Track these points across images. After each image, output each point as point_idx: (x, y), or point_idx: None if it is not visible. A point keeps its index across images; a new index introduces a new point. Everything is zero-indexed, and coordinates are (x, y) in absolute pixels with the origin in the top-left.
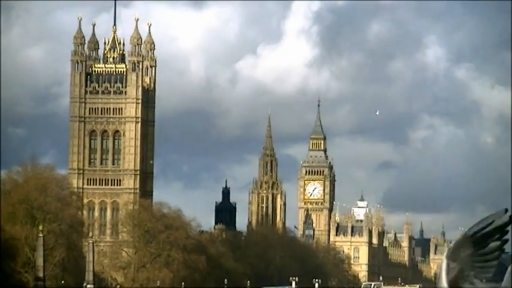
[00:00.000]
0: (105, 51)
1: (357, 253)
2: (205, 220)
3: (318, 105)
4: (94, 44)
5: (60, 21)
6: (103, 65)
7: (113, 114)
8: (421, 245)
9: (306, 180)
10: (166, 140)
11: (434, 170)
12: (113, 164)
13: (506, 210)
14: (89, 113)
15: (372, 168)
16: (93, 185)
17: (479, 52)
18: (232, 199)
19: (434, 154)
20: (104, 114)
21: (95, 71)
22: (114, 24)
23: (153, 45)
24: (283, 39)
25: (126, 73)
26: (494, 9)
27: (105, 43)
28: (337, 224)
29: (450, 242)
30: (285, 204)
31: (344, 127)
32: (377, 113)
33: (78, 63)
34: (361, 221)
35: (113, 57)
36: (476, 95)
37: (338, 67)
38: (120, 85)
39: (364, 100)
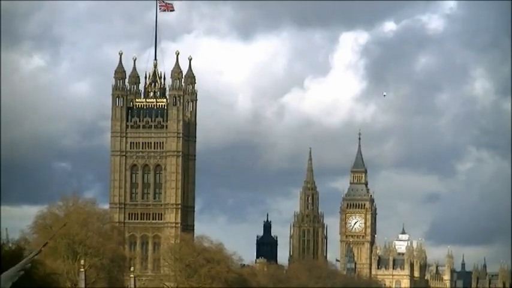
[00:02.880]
0: (146, 86)
1: (399, 286)
2: (247, 254)
3: (359, 138)
4: (135, 78)
5: (107, 56)
6: (144, 99)
7: (154, 148)
8: (463, 277)
9: (347, 213)
10: (212, 173)
11: (480, 203)
12: (154, 198)
13: None
14: (130, 147)
15: (417, 200)
16: (134, 219)
17: None
18: (275, 232)
19: (480, 187)
20: (145, 148)
21: (136, 105)
22: (155, 59)
23: (193, 79)
24: (330, 72)
25: (167, 107)
26: None
27: (146, 77)
28: (379, 257)
29: (492, 276)
30: (326, 237)
31: (390, 160)
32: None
33: (119, 97)
34: (403, 254)
35: (154, 91)
36: None
37: (385, 99)
38: (161, 119)
39: (410, 132)
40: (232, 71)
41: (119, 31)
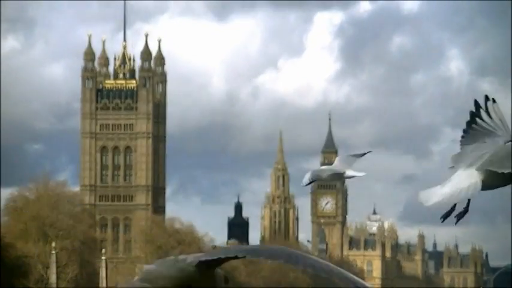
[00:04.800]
0: (116, 67)
1: (370, 266)
2: (219, 235)
3: (329, 119)
4: (104, 60)
5: (81, 37)
6: (113, 81)
7: (124, 130)
8: (435, 258)
9: (318, 194)
10: (186, 154)
11: None
12: (125, 180)
13: None
14: (100, 129)
15: (391, 181)
16: (105, 201)
17: (502, 65)
18: (248, 213)
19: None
20: (115, 130)
21: (105, 87)
22: (124, 40)
23: (163, 61)
24: (304, 53)
25: (137, 89)
26: None
27: (115, 59)
28: (350, 237)
29: (463, 256)
30: (297, 218)
31: (363, 140)
32: None
33: (88, 79)
34: (374, 234)
35: (123, 73)
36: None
37: (359, 80)
38: (131, 101)
39: (385, 113)
40: (207, 52)
41: (93, 13)
